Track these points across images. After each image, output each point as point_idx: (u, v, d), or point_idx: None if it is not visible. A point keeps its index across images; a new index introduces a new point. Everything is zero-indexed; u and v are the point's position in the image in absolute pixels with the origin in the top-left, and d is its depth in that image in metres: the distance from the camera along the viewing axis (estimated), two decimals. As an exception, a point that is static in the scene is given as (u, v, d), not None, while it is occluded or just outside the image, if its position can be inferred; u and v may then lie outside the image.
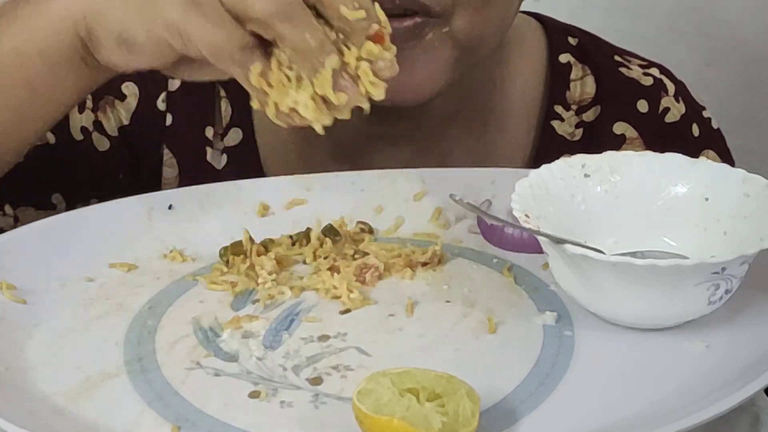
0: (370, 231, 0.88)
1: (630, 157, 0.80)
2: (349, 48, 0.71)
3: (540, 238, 0.73)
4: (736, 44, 1.70)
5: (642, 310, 0.72)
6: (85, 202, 0.94)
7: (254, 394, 0.69)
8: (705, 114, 1.07)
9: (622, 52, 1.07)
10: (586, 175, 0.79)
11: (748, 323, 0.73)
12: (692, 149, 0.94)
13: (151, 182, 1.01)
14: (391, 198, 0.91)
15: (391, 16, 0.73)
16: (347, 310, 0.78)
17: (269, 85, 0.72)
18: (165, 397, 0.69)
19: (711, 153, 1.04)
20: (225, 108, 1.03)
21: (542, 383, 0.69)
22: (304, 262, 0.83)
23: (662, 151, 0.80)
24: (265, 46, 0.72)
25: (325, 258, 0.83)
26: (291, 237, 0.87)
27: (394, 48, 0.71)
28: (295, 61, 0.71)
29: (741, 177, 0.77)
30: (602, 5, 1.60)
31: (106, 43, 0.78)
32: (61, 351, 0.74)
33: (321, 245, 0.85)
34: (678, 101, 1.05)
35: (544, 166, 0.79)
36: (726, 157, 1.06)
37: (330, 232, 0.86)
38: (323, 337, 0.74)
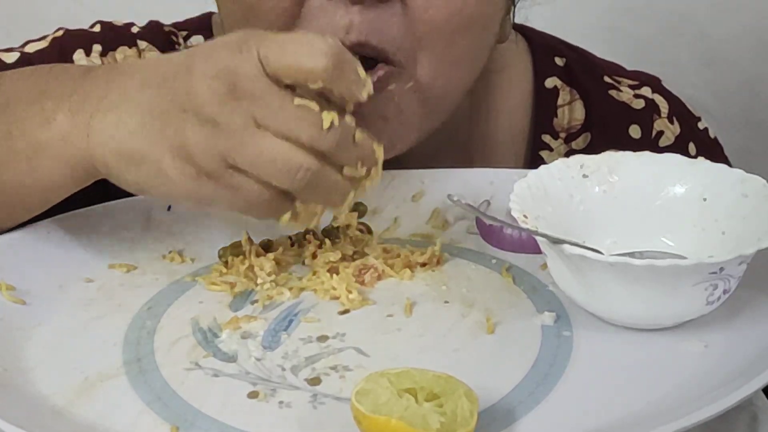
0: (369, 231, 0.88)
1: (628, 158, 0.80)
2: None
3: (538, 239, 0.73)
4: (736, 44, 1.70)
5: (640, 310, 0.72)
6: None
7: (253, 395, 0.69)
8: (701, 125, 1.06)
9: (612, 72, 1.04)
10: (584, 176, 0.80)
11: (746, 323, 0.73)
12: None
13: None
14: (389, 198, 0.91)
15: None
16: (346, 311, 0.78)
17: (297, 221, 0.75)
18: (164, 397, 0.69)
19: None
20: None
21: (540, 383, 0.69)
22: (303, 263, 0.83)
23: None
24: None
25: (326, 263, 0.83)
26: (290, 238, 0.87)
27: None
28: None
29: (739, 177, 0.77)
30: (602, 5, 1.59)
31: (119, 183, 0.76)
32: (60, 351, 0.75)
33: (320, 246, 0.85)
34: (672, 122, 1.03)
35: (542, 167, 0.79)
36: None
37: (330, 232, 0.86)
38: (322, 338, 0.74)
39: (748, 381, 0.65)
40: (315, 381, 0.70)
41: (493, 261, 0.84)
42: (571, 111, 1.01)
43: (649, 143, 1.01)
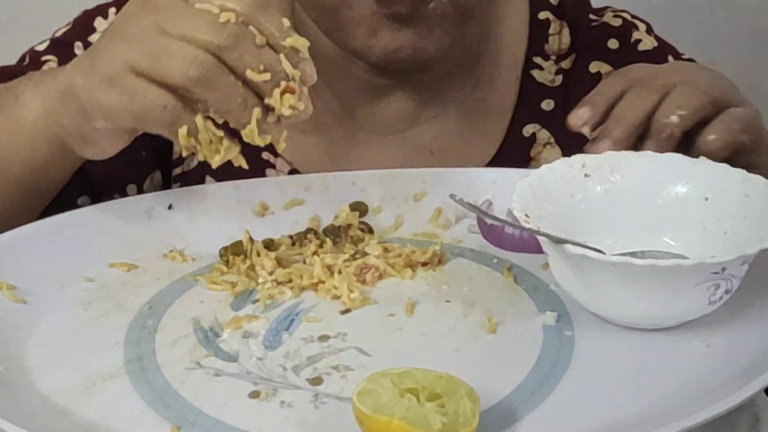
0: (370, 231, 0.88)
1: (630, 157, 0.80)
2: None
3: (540, 238, 0.73)
4: (736, 43, 1.70)
5: (642, 310, 0.72)
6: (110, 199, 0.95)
7: (254, 394, 0.69)
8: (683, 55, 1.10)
9: (599, 10, 1.10)
10: (585, 175, 0.79)
11: (748, 323, 0.73)
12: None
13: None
14: (390, 198, 0.91)
15: None
16: (347, 310, 0.78)
17: (198, 142, 0.75)
18: (165, 397, 0.69)
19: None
20: None
21: (542, 383, 0.69)
22: (304, 262, 0.83)
23: None
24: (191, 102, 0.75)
25: (328, 262, 0.83)
26: (291, 237, 0.87)
27: (305, 90, 0.76)
28: (222, 117, 0.75)
29: (741, 177, 0.77)
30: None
31: (74, 146, 0.82)
32: (61, 351, 0.74)
33: (321, 245, 0.85)
34: (650, 35, 1.08)
35: (544, 166, 0.79)
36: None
37: (331, 232, 0.86)
38: (323, 337, 0.74)
39: (750, 381, 0.65)
40: (316, 381, 0.70)
41: (495, 261, 0.83)
42: (560, 38, 1.06)
43: (628, 50, 1.05)
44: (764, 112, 0.92)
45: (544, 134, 1.03)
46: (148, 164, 1.01)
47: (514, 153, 1.03)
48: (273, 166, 1.01)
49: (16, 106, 0.85)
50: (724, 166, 0.78)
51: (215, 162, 0.77)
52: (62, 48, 1.02)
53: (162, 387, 0.70)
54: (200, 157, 0.77)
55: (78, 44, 1.02)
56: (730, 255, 0.69)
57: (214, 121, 0.75)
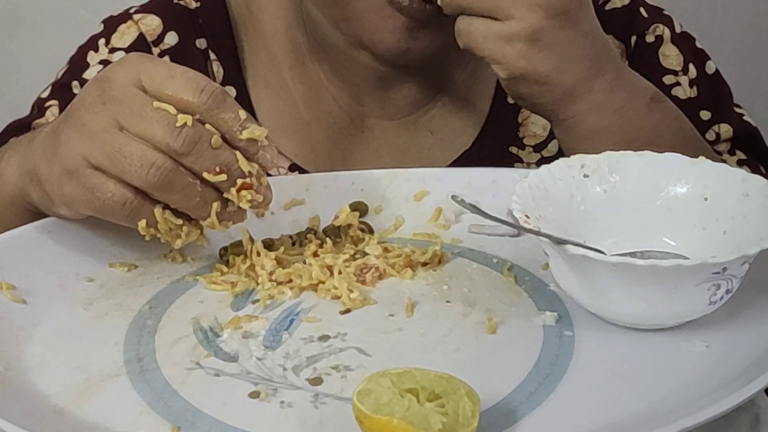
0: (370, 231, 0.88)
1: (629, 157, 0.80)
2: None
3: (540, 239, 0.73)
4: (736, 43, 1.70)
5: (642, 310, 0.72)
6: None
7: (254, 395, 0.69)
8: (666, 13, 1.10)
9: None
10: (585, 176, 0.79)
11: (748, 323, 0.73)
12: (640, 27, 1.03)
13: None
14: (391, 198, 0.91)
15: None
16: (347, 310, 0.78)
17: (158, 231, 0.79)
18: (165, 397, 0.69)
19: (661, 27, 1.07)
20: (216, 69, 1.06)
21: (542, 383, 0.69)
22: (304, 262, 0.83)
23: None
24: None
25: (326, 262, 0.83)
26: (291, 237, 0.87)
27: (264, 180, 0.79)
28: (182, 211, 0.78)
29: (740, 177, 0.77)
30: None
31: (47, 213, 0.84)
32: (61, 351, 0.74)
33: (321, 245, 0.85)
34: None
35: (543, 167, 0.79)
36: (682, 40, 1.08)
37: (331, 232, 0.86)
38: (323, 337, 0.74)
39: (750, 381, 0.65)
40: (316, 381, 0.70)
41: (495, 261, 0.83)
42: None
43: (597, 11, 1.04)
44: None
45: None
46: None
47: (503, 120, 1.05)
48: None
49: None
50: (724, 166, 0.78)
51: (177, 245, 0.80)
52: (62, 91, 1.05)
53: (162, 387, 0.70)
54: (162, 241, 0.80)
55: (75, 83, 1.05)
56: (730, 255, 0.69)
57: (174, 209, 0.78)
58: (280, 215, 0.89)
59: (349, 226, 0.87)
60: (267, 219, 0.89)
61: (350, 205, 0.89)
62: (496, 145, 1.05)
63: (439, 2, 0.87)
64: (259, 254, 0.83)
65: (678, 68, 1.07)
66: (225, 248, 0.85)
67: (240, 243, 0.84)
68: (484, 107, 1.06)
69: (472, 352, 0.73)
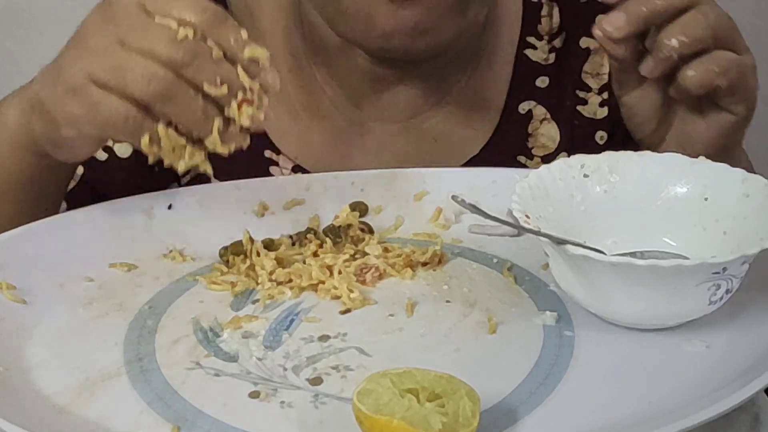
0: (370, 231, 0.88)
1: (629, 157, 0.80)
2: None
3: (540, 239, 0.73)
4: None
5: (642, 310, 0.72)
6: None
7: (254, 395, 0.69)
8: None
9: None
10: (585, 176, 0.79)
11: (748, 323, 0.73)
12: None
13: None
14: (391, 198, 0.91)
15: None
16: (347, 310, 0.78)
17: (161, 149, 0.77)
18: (165, 397, 0.69)
19: None
20: None
21: (542, 383, 0.69)
22: (304, 262, 0.83)
23: None
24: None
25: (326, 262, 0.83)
26: (291, 237, 0.87)
27: (265, 100, 0.77)
28: (184, 127, 0.77)
29: (741, 177, 0.77)
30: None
31: (49, 151, 0.84)
32: (61, 351, 0.74)
33: (321, 245, 0.85)
34: None
35: (543, 167, 0.79)
36: None
37: (331, 232, 0.86)
38: (323, 337, 0.74)
39: (749, 381, 0.65)
40: (316, 381, 0.70)
41: (495, 261, 0.83)
42: (551, 19, 1.08)
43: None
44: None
45: (540, 110, 1.05)
46: (165, 177, 1.00)
47: (512, 130, 1.05)
48: (276, 164, 1.01)
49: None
50: (724, 166, 0.78)
51: (180, 168, 0.79)
52: None
53: (162, 387, 0.70)
54: (166, 164, 0.78)
55: None
56: (730, 255, 0.69)
57: (177, 128, 0.77)
58: (280, 215, 0.89)
59: (349, 226, 0.87)
60: (267, 219, 0.89)
61: (350, 205, 0.89)
62: (503, 154, 1.05)
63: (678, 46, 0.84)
64: (259, 254, 0.83)
65: None
66: (225, 248, 0.85)
67: (240, 243, 0.84)
68: (493, 115, 1.05)
69: (472, 352, 0.73)
